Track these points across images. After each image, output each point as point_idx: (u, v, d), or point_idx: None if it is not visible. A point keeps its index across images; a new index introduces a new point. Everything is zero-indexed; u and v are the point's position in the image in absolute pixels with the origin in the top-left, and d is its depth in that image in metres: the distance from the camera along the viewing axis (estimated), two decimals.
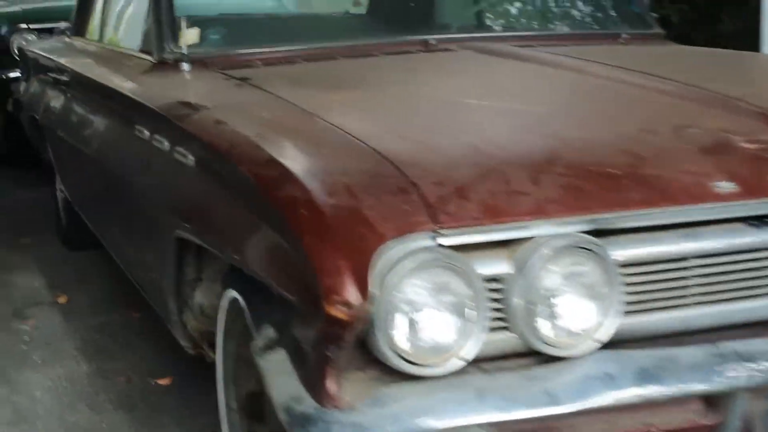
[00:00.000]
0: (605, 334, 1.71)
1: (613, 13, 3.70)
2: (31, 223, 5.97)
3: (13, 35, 6.32)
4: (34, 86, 5.23)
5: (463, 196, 1.68)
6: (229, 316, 2.39)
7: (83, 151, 3.86)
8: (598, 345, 1.72)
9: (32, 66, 5.40)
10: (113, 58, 3.69)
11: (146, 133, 2.84)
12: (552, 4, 3.73)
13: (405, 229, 1.59)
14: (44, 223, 5.76)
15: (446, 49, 3.25)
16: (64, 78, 4.26)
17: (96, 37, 4.35)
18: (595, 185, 1.79)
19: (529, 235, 1.67)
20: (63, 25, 5.69)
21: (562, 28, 3.63)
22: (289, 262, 1.73)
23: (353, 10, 3.53)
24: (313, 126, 2.18)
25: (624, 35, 3.58)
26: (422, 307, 1.62)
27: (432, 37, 3.32)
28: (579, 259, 1.69)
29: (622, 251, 1.73)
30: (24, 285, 4.82)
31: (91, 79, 3.73)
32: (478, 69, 3.02)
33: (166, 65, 3.12)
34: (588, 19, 3.66)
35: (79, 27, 4.77)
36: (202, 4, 3.46)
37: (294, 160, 1.92)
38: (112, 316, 4.24)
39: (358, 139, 1.97)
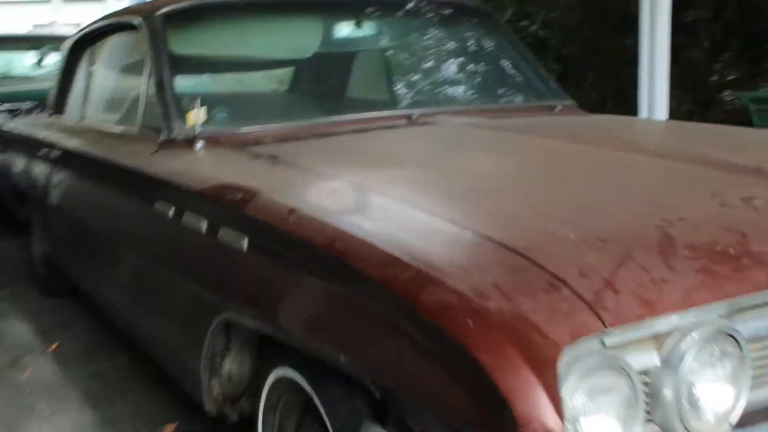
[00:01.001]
0: (737, 414, 1.39)
1: (540, 86, 3.45)
2: (6, 274, 5.29)
3: None
4: (14, 158, 4.62)
5: (612, 289, 1.30)
6: (275, 392, 2.02)
7: (81, 220, 3.34)
8: (731, 428, 1.40)
9: (10, 140, 4.81)
10: (109, 136, 3.16)
11: (170, 211, 2.36)
12: (487, 79, 3.46)
13: (577, 334, 1.21)
14: (18, 274, 5.14)
15: (427, 123, 2.88)
16: (55, 153, 3.66)
17: (79, 116, 3.80)
18: (725, 267, 1.43)
19: (676, 326, 1.34)
20: (26, 105, 5.66)
21: (503, 101, 3.35)
22: (440, 373, 1.30)
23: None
24: (402, 212, 1.75)
25: (559, 106, 3.34)
26: (587, 414, 1.25)
27: (414, 111, 2.95)
28: (721, 345, 1.36)
29: (746, 328, 1.41)
30: (13, 334, 4.19)
31: (89, 155, 3.21)
32: (495, 142, 2.58)
33: (174, 143, 2.64)
34: (521, 93, 3.42)
35: (60, 106, 4.19)
36: (194, 83, 3.03)
37: (418, 256, 1.44)
38: (103, 363, 3.75)
39: (465, 227, 1.57)
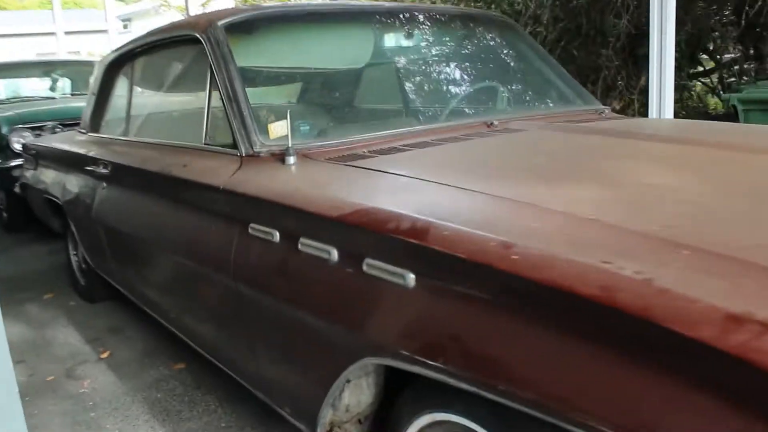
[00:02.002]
0: None
1: (578, 92, 2.87)
2: (44, 279, 4.49)
3: (11, 133, 5.26)
4: (49, 173, 3.86)
5: None
6: None
7: (137, 235, 2.60)
8: None
9: (43, 157, 4.01)
10: (168, 151, 2.45)
11: (275, 236, 1.71)
12: (537, 87, 2.88)
13: None
14: (55, 280, 4.42)
15: (510, 129, 2.22)
16: (102, 169, 2.94)
17: (122, 133, 3.07)
18: None
19: None
20: (50, 124, 5.39)
21: (557, 107, 2.71)
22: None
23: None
24: (642, 243, 1.12)
25: (605, 110, 2.79)
26: None
27: (493, 119, 2.34)
28: None
29: None
30: (63, 342, 3.39)
31: (147, 171, 2.50)
32: (617, 149, 1.94)
33: (257, 159, 1.98)
34: (566, 99, 2.83)
35: (96, 124, 3.43)
36: (264, 95, 2.37)
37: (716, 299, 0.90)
38: (161, 371, 3.04)
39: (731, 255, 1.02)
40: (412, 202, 1.45)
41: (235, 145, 2.08)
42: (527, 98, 2.69)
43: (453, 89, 2.51)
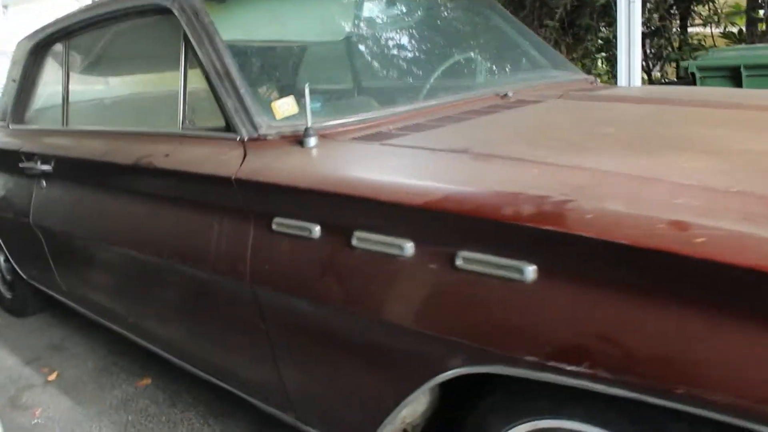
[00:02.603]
0: None
1: (563, 63, 2.69)
2: None
3: None
4: None
5: None
6: None
7: (94, 242, 2.24)
8: None
9: None
10: (136, 138, 2.08)
11: (315, 230, 1.45)
12: (527, 58, 2.68)
13: None
14: None
15: (527, 100, 2.03)
16: (39, 166, 2.48)
17: (61, 122, 2.60)
18: None
19: None
20: None
21: (552, 77, 2.52)
22: None
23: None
24: None
25: (594, 80, 2.64)
26: None
27: (508, 90, 2.11)
28: None
29: None
30: (2, 366, 2.98)
31: (116, 165, 2.09)
32: (671, 116, 1.78)
33: (264, 143, 1.68)
34: (557, 69, 2.63)
35: (20, 114, 2.96)
36: (257, 71, 2.06)
37: None
38: (124, 389, 2.69)
39: None
40: (509, 182, 1.23)
41: (230, 129, 1.78)
42: (519, 69, 2.51)
43: (454, 63, 2.29)
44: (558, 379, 1.11)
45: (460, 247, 1.22)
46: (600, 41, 5.63)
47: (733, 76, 4.14)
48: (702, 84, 4.31)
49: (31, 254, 2.85)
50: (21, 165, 2.65)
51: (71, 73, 2.62)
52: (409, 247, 1.30)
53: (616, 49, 3.66)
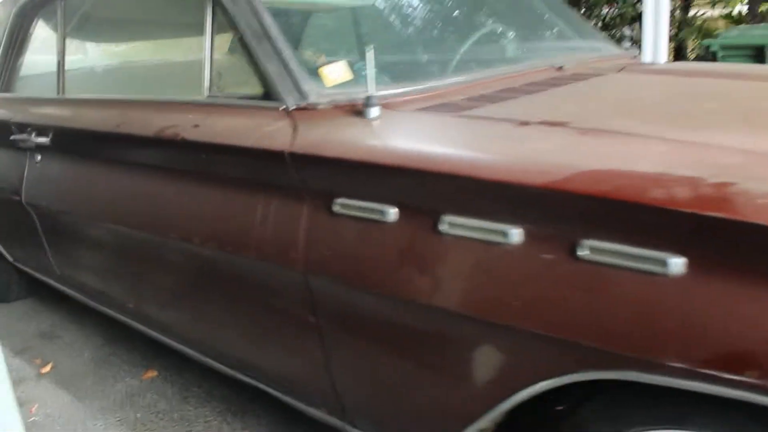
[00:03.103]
0: None
1: (599, 36, 2.54)
2: None
3: None
4: None
5: None
6: None
7: (102, 223, 2.00)
8: None
9: None
10: (152, 107, 1.83)
11: (391, 212, 1.24)
12: (573, 30, 2.49)
13: None
14: None
15: (583, 74, 1.91)
16: (33, 138, 2.22)
17: (55, 91, 2.32)
18: None
19: None
20: None
21: (601, 51, 2.37)
22: None
23: None
24: None
25: (637, 53, 2.49)
26: None
27: (561, 62, 2.01)
28: None
29: None
30: None
31: (133, 137, 1.84)
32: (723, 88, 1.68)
33: (313, 113, 1.46)
34: (597, 42, 2.47)
35: (8, 82, 2.64)
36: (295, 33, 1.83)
37: None
38: (128, 383, 2.47)
39: None
40: (643, 161, 1.05)
41: (269, 97, 1.56)
42: (561, 41, 2.32)
43: (508, 33, 2.09)
44: (709, 388, 0.95)
45: (586, 235, 1.04)
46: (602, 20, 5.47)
47: (757, 55, 4.03)
48: (724, 61, 4.20)
49: (20, 235, 2.59)
50: (12, 137, 2.38)
51: (68, 36, 2.35)
52: (515, 234, 1.11)
53: (617, 28, 3.51)
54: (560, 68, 1.89)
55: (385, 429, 1.49)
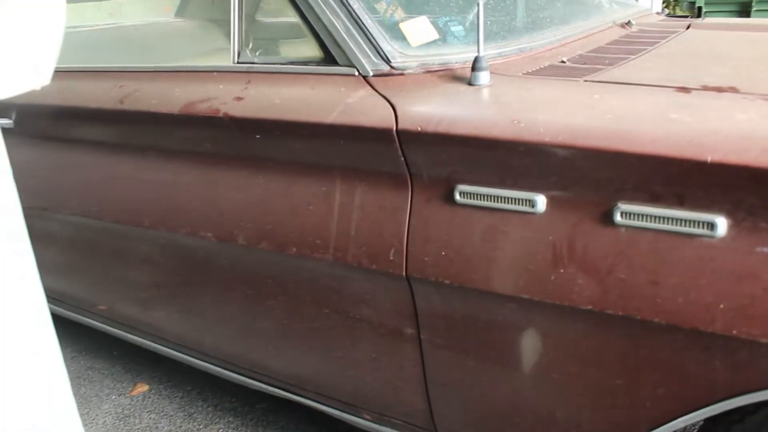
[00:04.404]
0: None
1: None
2: None
3: None
4: None
5: None
6: None
7: (102, 222, 1.63)
8: None
9: None
10: (164, 80, 1.47)
11: (540, 201, 1.01)
12: None
13: None
14: None
15: (650, 30, 1.76)
16: (3, 121, 1.90)
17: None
18: None
19: None
20: None
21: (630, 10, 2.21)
22: None
23: None
24: None
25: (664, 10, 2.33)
26: None
27: (630, 19, 1.81)
28: None
29: None
30: None
31: (151, 114, 1.45)
32: None
33: (402, 78, 1.19)
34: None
35: None
36: None
37: None
38: (116, 400, 1.98)
39: None
40: None
41: (332, 60, 1.28)
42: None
43: None
44: None
45: None
46: None
47: (741, 11, 4.03)
48: (708, 17, 4.17)
49: None
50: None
51: None
52: (722, 225, 0.91)
53: None
54: (627, 24, 1.70)
55: None
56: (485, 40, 1.21)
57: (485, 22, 1.26)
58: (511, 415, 1.19)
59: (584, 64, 1.27)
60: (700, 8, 4.35)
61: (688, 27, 1.74)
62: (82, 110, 1.61)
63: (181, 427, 1.92)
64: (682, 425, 1.04)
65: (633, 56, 1.35)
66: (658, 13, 2.15)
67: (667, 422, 1.04)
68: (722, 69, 1.24)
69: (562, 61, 1.29)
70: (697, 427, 1.33)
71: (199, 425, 1.93)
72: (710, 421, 1.13)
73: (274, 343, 1.47)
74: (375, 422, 1.41)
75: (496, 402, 1.20)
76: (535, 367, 1.12)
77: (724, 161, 0.89)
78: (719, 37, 1.60)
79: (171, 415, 1.98)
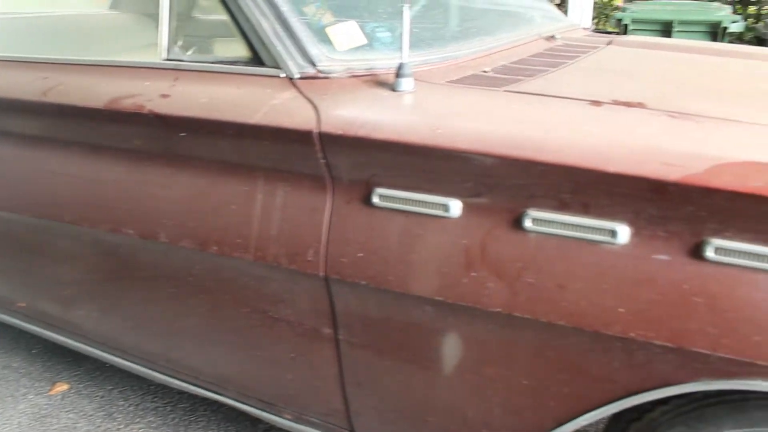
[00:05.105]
0: None
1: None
2: None
3: None
4: None
5: None
6: None
7: (27, 221, 1.64)
8: None
9: None
10: (89, 74, 1.45)
11: (454, 206, 1.04)
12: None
13: None
14: None
15: (575, 44, 1.81)
16: None
17: None
18: None
19: None
20: None
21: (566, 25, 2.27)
22: None
23: None
24: None
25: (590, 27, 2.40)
26: None
27: (555, 33, 1.85)
28: None
29: None
30: None
31: (72, 108, 1.42)
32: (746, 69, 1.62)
33: (327, 82, 1.20)
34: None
35: None
36: None
37: None
38: (33, 400, 1.94)
39: None
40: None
41: (260, 61, 1.29)
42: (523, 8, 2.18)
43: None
44: None
45: (715, 233, 0.90)
46: None
47: (664, 30, 4.21)
48: (633, 33, 4.35)
49: None
50: None
51: None
52: (625, 233, 0.96)
53: None
54: (551, 38, 1.76)
55: None
56: (412, 47, 1.23)
57: (413, 30, 1.29)
58: (425, 414, 1.22)
59: (506, 74, 1.32)
60: (626, 26, 4.53)
61: (609, 43, 1.81)
62: (2, 101, 1.57)
63: (100, 427, 1.89)
64: (585, 423, 1.08)
65: (553, 69, 1.40)
66: (585, 29, 2.22)
67: (570, 420, 1.08)
68: (634, 85, 1.30)
69: (485, 71, 1.33)
70: (602, 424, 1.39)
71: (119, 425, 1.89)
72: (614, 419, 1.18)
73: (196, 341, 1.46)
74: (295, 422, 1.42)
75: (411, 401, 1.22)
76: (448, 368, 1.15)
77: (624, 172, 0.93)
78: (636, 55, 1.67)
79: (90, 415, 1.94)
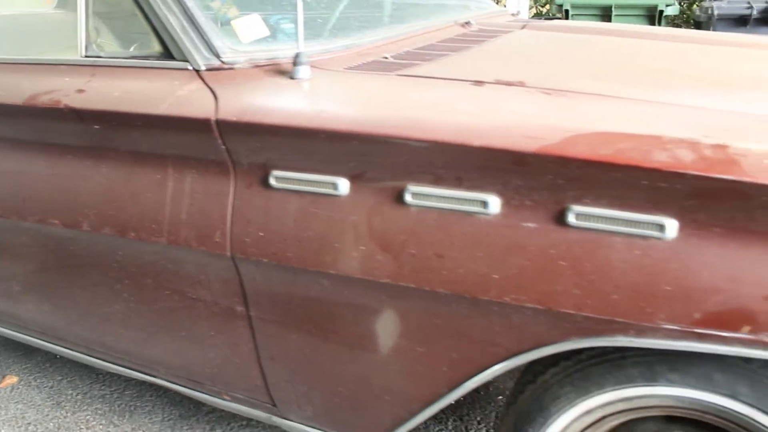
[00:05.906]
0: None
1: None
2: None
3: None
4: None
5: None
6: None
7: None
8: None
9: None
10: (10, 73, 1.55)
11: (342, 184, 1.10)
12: None
13: None
14: None
15: (490, 30, 1.88)
16: None
17: None
18: None
19: None
20: None
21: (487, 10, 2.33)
22: None
23: None
24: None
25: (518, 12, 2.47)
26: None
27: (471, 18, 1.92)
28: None
29: None
30: None
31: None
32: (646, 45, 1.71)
33: (231, 73, 1.25)
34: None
35: None
36: None
37: None
38: None
39: None
40: (634, 123, 1.00)
41: (170, 55, 1.34)
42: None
43: None
44: (701, 347, 0.93)
45: (575, 200, 0.97)
46: None
47: (604, 15, 4.30)
48: (574, 19, 4.42)
49: None
50: None
51: None
52: (496, 203, 1.02)
53: None
54: (466, 24, 1.82)
55: (327, 421, 1.36)
56: (317, 37, 1.29)
57: (315, 20, 1.34)
58: (335, 384, 1.28)
59: (405, 59, 1.37)
60: (567, 11, 4.63)
61: (523, 27, 1.88)
62: None
63: (48, 415, 1.94)
64: (475, 385, 1.15)
65: (453, 53, 1.46)
66: (513, 14, 2.28)
67: (462, 383, 1.15)
68: (524, 66, 1.37)
69: (385, 57, 1.39)
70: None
71: (67, 413, 1.94)
72: (516, 383, 1.25)
73: (125, 326, 1.51)
74: (233, 401, 1.48)
75: (320, 373, 1.28)
76: (349, 339, 1.21)
77: (489, 146, 1.00)
78: (544, 38, 1.74)
79: (39, 405, 1.99)
